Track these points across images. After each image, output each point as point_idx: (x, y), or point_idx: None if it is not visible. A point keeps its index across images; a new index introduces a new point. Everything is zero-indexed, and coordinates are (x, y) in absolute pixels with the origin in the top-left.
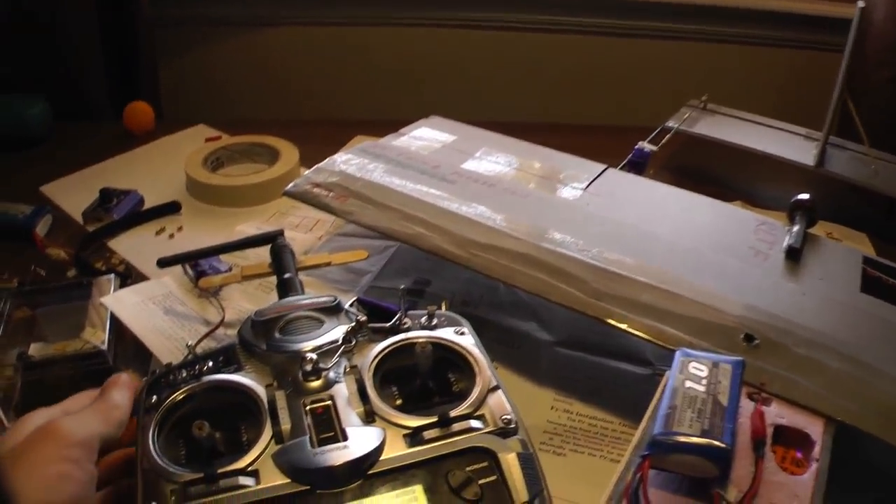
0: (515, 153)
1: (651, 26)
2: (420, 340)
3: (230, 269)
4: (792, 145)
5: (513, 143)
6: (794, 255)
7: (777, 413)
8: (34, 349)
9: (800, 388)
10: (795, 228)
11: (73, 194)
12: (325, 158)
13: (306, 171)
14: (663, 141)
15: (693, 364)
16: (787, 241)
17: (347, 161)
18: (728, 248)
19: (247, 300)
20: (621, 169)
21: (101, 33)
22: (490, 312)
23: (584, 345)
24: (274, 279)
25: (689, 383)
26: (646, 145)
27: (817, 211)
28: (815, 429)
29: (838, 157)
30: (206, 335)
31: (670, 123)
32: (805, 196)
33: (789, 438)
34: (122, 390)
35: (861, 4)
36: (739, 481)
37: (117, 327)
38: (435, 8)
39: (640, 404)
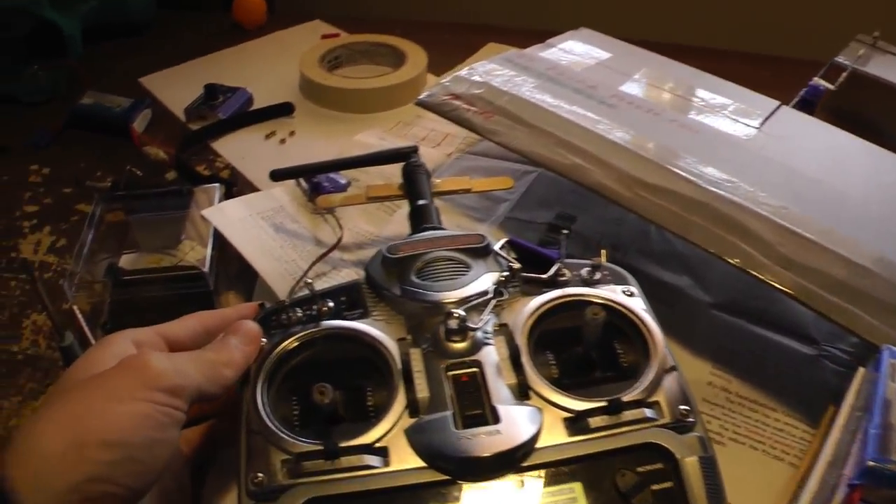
0: (679, 79)
1: None
2: (594, 302)
3: (349, 185)
4: None
5: (676, 66)
6: None
7: None
8: (125, 260)
9: None
10: None
11: (176, 88)
12: (456, 66)
13: (442, 79)
14: (840, 80)
15: None
16: None
17: (491, 71)
18: None
19: (366, 221)
20: (793, 107)
21: None
22: (640, 261)
23: (744, 310)
24: (403, 202)
25: None
26: (821, 82)
27: None
28: None
29: None
30: (320, 258)
31: (841, 59)
32: None
33: None
34: (245, 344)
35: None
36: None
37: (220, 243)
38: None
39: (804, 392)
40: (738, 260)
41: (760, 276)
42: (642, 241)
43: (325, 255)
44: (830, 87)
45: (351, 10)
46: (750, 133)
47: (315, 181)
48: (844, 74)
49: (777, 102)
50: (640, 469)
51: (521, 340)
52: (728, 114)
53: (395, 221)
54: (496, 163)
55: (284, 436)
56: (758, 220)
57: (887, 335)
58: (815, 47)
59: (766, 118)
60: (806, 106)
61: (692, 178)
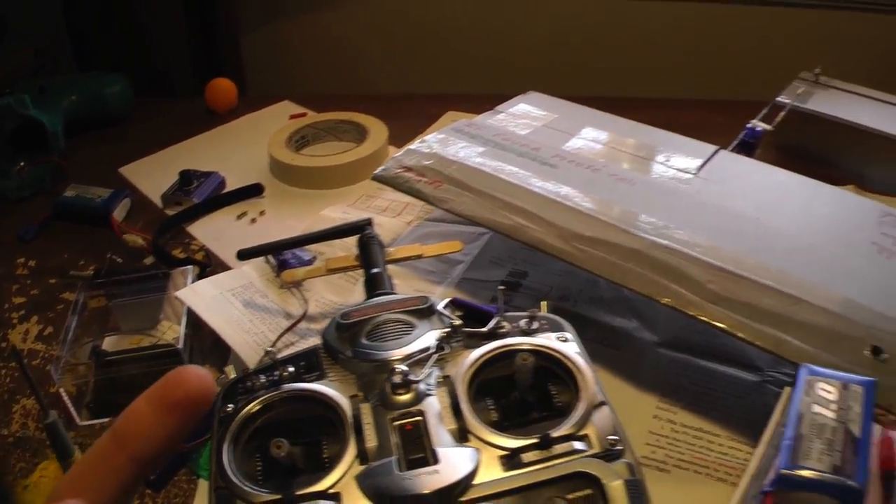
0: (620, 133)
1: None
2: (521, 350)
3: (314, 259)
4: None
5: (617, 121)
6: None
7: None
8: (108, 342)
9: None
10: None
11: (153, 176)
12: (416, 137)
13: (396, 153)
14: (777, 119)
15: (820, 385)
16: None
17: (441, 142)
18: (850, 245)
19: (332, 292)
20: (732, 150)
21: (183, 8)
22: (589, 309)
23: (689, 346)
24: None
25: (816, 408)
26: (758, 124)
27: None
28: None
29: None
30: (287, 330)
31: (782, 98)
32: None
33: None
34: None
35: None
36: None
37: (194, 321)
38: None
39: (748, 417)
40: (669, 300)
41: (691, 313)
42: (591, 289)
43: (291, 327)
44: (768, 127)
45: (318, 89)
46: (687, 179)
47: (281, 258)
48: (782, 113)
49: (715, 147)
50: (570, 496)
51: (461, 389)
52: (666, 163)
53: (358, 290)
54: (452, 227)
55: (248, 489)
56: (689, 262)
57: (815, 356)
58: (768, 89)
59: (704, 164)
60: (745, 148)
61: (626, 227)
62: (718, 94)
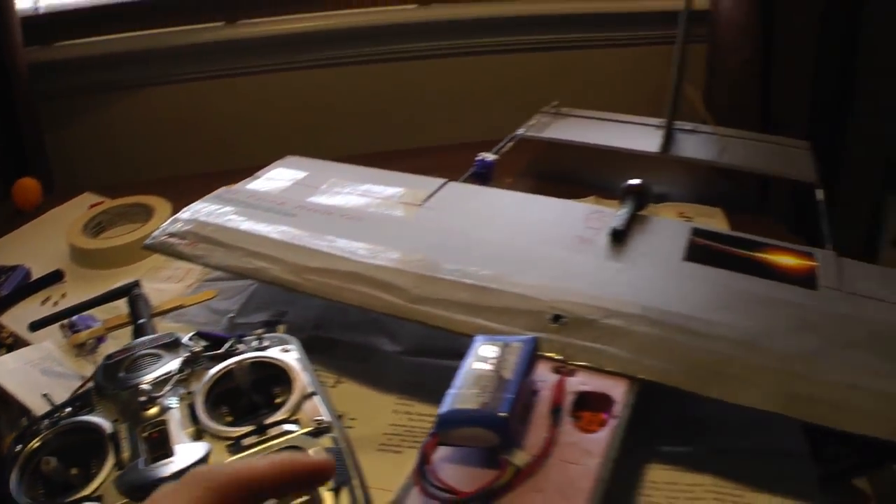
0: (361, 180)
1: (492, 42)
2: (240, 361)
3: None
4: (641, 136)
5: (361, 171)
6: (618, 237)
7: (581, 381)
8: None
9: (604, 355)
10: (620, 212)
11: None
12: None
13: (164, 224)
14: (502, 148)
15: (486, 347)
16: (610, 225)
17: (201, 210)
18: (555, 241)
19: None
20: (464, 181)
21: None
22: (343, 333)
23: (432, 351)
24: None
25: (477, 364)
26: (487, 155)
27: (648, 193)
28: (617, 390)
29: (687, 141)
30: (80, 388)
31: (520, 131)
32: (635, 181)
33: (595, 403)
34: None
35: None
36: (532, 447)
37: (1, 394)
38: (290, 53)
39: None
40: (379, 308)
41: (400, 315)
42: (343, 316)
43: (83, 385)
44: (494, 157)
45: (117, 178)
46: (411, 210)
47: (76, 329)
48: (510, 143)
49: (443, 180)
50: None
51: (199, 400)
52: (395, 199)
53: None
54: (224, 284)
55: None
56: (397, 274)
57: (506, 331)
58: (510, 128)
59: (430, 196)
60: (479, 178)
61: (347, 255)
62: (483, 135)
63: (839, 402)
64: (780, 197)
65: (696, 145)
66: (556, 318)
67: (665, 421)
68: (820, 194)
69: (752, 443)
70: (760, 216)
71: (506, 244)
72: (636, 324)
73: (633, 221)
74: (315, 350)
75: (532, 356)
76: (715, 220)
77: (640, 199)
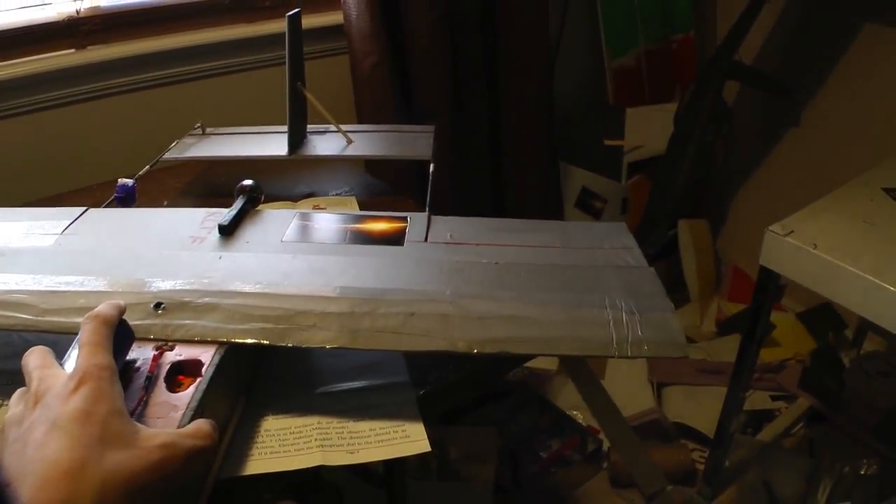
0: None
1: (150, 77)
2: None
3: None
4: (275, 143)
5: (18, 212)
6: (224, 231)
7: (177, 353)
8: None
9: (196, 329)
10: (230, 211)
11: None
12: None
13: None
14: (142, 172)
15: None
16: (218, 222)
17: None
18: (171, 243)
19: None
20: (107, 206)
21: None
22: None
23: None
24: None
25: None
26: (126, 180)
27: (257, 191)
28: (206, 355)
29: (318, 141)
30: None
31: (166, 156)
32: (246, 182)
33: (191, 369)
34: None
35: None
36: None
37: None
38: None
39: None
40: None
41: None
42: (7, 348)
43: None
44: (131, 182)
45: None
46: (50, 239)
47: None
48: (147, 167)
49: (84, 208)
50: None
51: None
52: (33, 232)
53: None
54: None
55: None
56: (21, 294)
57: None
58: None
59: (70, 224)
60: (122, 202)
61: None
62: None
63: (398, 328)
64: (409, 176)
65: (325, 144)
66: (157, 305)
67: (284, 383)
68: (430, 168)
69: (361, 384)
70: (398, 196)
71: (130, 253)
72: (226, 298)
73: (244, 217)
74: None
75: (123, 344)
76: (348, 207)
77: (251, 197)
